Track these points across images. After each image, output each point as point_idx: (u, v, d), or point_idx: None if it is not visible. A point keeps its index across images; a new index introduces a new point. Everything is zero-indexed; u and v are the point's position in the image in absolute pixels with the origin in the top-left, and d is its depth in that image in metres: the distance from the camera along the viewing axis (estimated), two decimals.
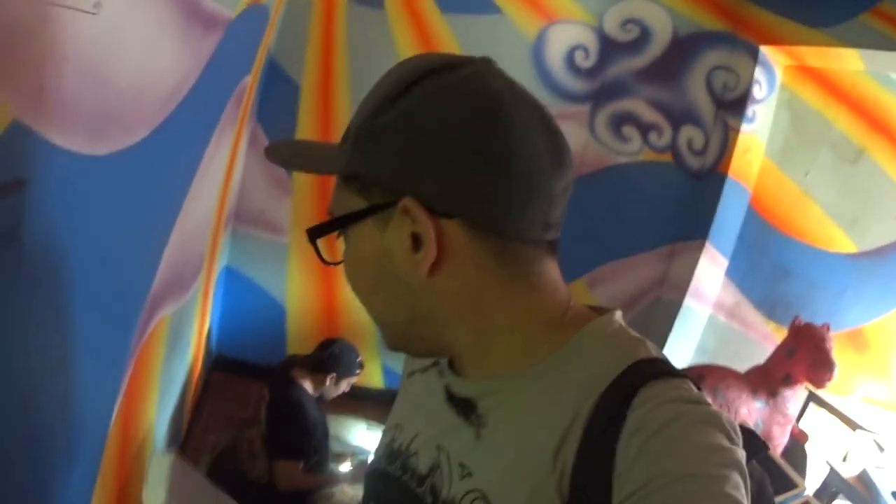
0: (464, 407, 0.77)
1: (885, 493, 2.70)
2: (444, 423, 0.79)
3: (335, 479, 2.77)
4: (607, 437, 0.63)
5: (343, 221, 0.73)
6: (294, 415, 2.64)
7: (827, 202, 3.55)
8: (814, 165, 3.47)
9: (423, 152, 0.68)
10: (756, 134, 3.53)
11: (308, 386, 2.74)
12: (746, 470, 0.60)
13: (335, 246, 0.79)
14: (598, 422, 0.65)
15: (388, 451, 0.87)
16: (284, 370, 2.79)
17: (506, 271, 0.72)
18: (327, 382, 2.76)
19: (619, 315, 0.77)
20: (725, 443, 0.60)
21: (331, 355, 2.78)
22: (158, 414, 2.24)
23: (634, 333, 0.75)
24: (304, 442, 2.63)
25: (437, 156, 0.67)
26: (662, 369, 0.68)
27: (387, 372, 4.04)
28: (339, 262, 0.78)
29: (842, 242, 3.59)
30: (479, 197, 0.68)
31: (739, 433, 0.63)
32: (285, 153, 0.83)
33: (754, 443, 2.10)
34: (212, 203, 2.67)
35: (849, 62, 3.14)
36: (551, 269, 0.75)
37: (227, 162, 2.77)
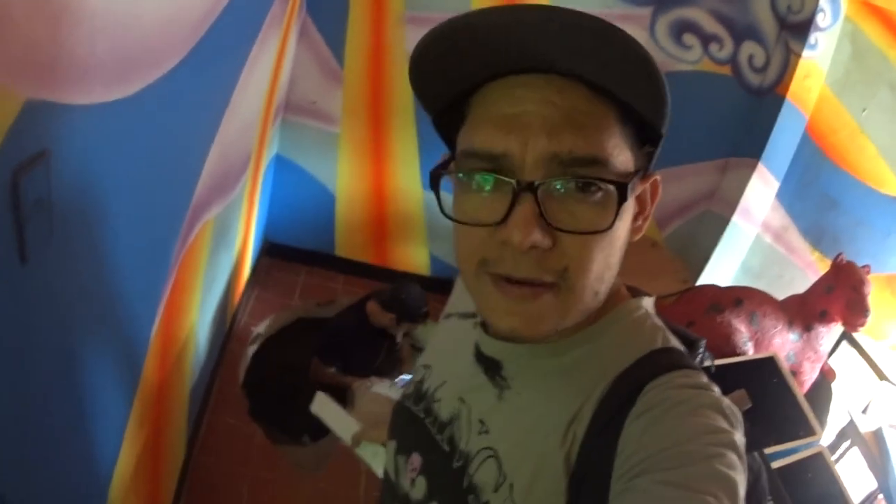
0: (490, 367, 0.80)
1: (895, 457, 2.65)
2: (470, 378, 0.82)
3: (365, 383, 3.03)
4: (616, 418, 0.66)
5: (631, 181, 0.65)
6: (342, 335, 3.07)
7: (881, 142, 3.37)
8: (872, 103, 3.27)
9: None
10: (817, 62, 3.38)
11: (376, 317, 3.05)
12: (744, 454, 0.61)
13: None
14: (610, 403, 0.68)
15: (417, 390, 0.91)
16: (364, 298, 3.13)
17: None
18: (387, 321, 3.05)
19: (647, 301, 0.79)
20: (725, 426, 0.62)
21: (399, 300, 3.03)
22: (202, 311, 2.34)
23: (658, 321, 0.77)
24: (338, 359, 3.03)
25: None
26: (676, 360, 0.70)
27: (433, 260, 4.13)
28: (597, 232, 0.64)
29: (892, 185, 3.44)
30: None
31: (741, 420, 0.64)
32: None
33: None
34: (258, 102, 2.66)
35: None
36: None
37: (274, 59, 2.73)
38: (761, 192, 3.64)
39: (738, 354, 2.61)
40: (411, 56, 0.67)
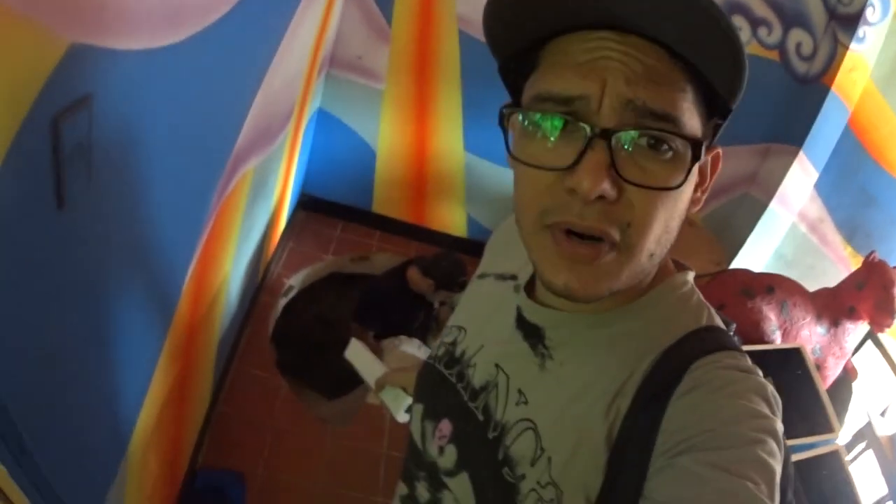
0: (532, 334, 0.78)
1: None
2: (509, 344, 0.80)
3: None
4: (662, 395, 0.65)
5: (703, 146, 0.63)
6: (381, 298, 3.21)
7: None
8: None
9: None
10: (864, 56, 3.34)
11: (416, 283, 3.15)
12: (783, 442, 0.62)
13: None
14: (656, 379, 0.67)
15: (449, 353, 0.89)
16: (405, 264, 3.24)
17: None
18: (426, 287, 3.15)
19: (691, 276, 0.78)
20: (767, 412, 0.62)
21: (439, 266, 3.13)
22: (236, 261, 2.36)
23: (702, 298, 0.76)
24: (376, 322, 3.18)
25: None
26: (723, 341, 0.70)
27: (471, 222, 4.13)
28: (669, 188, 0.63)
29: None
30: None
31: (780, 406, 0.65)
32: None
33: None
34: (305, 54, 2.63)
35: None
36: None
37: (322, 13, 2.70)
38: (800, 181, 3.60)
39: (766, 342, 2.58)
40: (486, 6, 0.65)
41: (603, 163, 0.60)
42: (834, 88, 3.38)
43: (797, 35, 3.50)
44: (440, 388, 0.86)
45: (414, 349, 3.15)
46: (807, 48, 3.51)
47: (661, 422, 0.63)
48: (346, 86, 3.63)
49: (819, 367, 2.60)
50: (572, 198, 0.62)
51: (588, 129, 0.60)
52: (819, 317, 2.68)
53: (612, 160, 0.60)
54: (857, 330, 2.68)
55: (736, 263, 3.64)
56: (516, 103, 0.70)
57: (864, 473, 2.64)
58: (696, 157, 0.62)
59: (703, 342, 0.69)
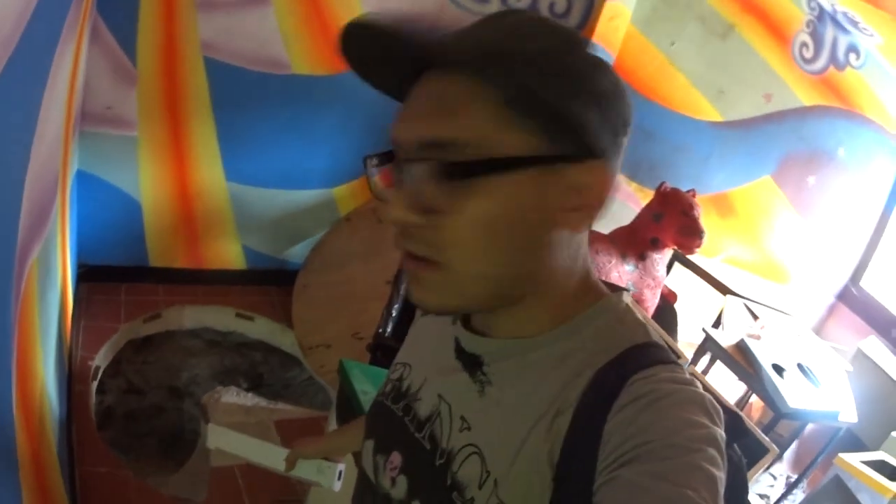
0: (471, 363, 0.80)
1: (766, 363, 2.93)
2: (451, 374, 0.82)
3: None
4: (600, 410, 0.67)
5: (508, 164, 0.66)
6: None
7: (693, 72, 3.65)
8: (681, 36, 3.53)
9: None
10: (622, 3, 3.55)
11: None
12: (724, 450, 0.65)
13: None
14: (594, 395, 0.69)
15: (396, 389, 0.91)
16: None
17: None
18: None
19: (627, 296, 0.81)
20: (706, 421, 0.64)
21: None
22: (45, 363, 2.11)
23: (639, 316, 0.79)
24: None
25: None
26: (661, 355, 0.73)
27: (247, 251, 4.03)
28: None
29: (707, 111, 3.73)
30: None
31: (721, 414, 0.68)
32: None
33: (738, 425, 2.26)
34: (60, 115, 2.37)
35: None
36: None
37: (71, 68, 2.45)
38: None
39: None
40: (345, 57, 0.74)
41: (401, 195, 0.68)
42: (595, 39, 3.53)
43: None
44: (389, 423, 0.88)
45: (233, 397, 3.02)
46: (560, 6, 3.60)
47: (601, 437, 0.66)
48: (100, 140, 3.35)
49: (639, 302, 2.82)
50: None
51: (395, 165, 0.69)
52: (624, 255, 2.86)
53: (412, 191, 0.67)
54: (664, 258, 2.90)
55: None
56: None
57: (718, 383, 2.93)
58: (464, 174, 0.65)
59: (639, 358, 0.71)
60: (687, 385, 0.68)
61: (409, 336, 1.00)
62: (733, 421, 2.43)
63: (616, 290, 0.82)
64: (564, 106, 0.66)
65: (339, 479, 1.21)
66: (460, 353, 0.82)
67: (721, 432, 0.65)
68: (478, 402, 0.78)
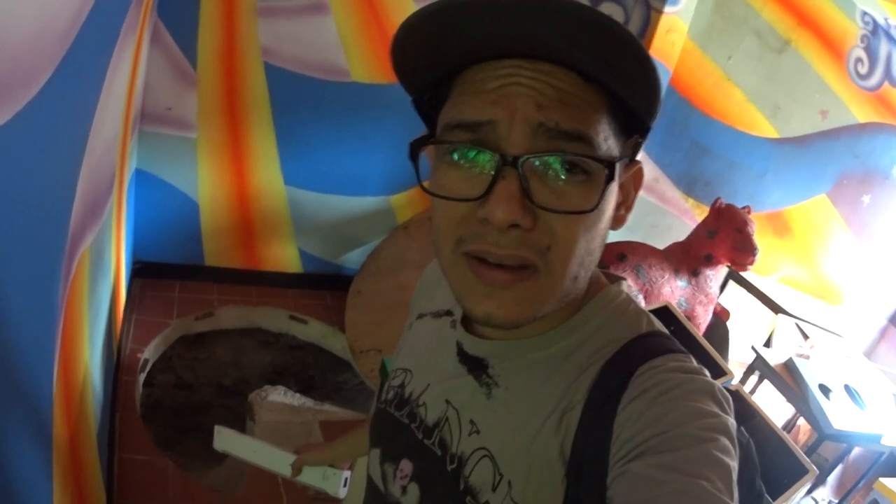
0: (475, 366, 0.79)
1: (812, 384, 2.87)
2: (455, 379, 0.81)
3: None
4: (609, 403, 0.67)
5: (614, 165, 0.64)
6: None
7: (750, 88, 3.57)
8: (737, 51, 3.47)
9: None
10: (679, 16, 3.51)
11: None
12: (735, 437, 0.63)
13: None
14: (602, 389, 0.68)
15: (398, 395, 0.89)
16: None
17: None
18: None
19: (625, 286, 0.80)
20: (717, 410, 0.63)
21: None
22: (91, 350, 2.17)
23: (639, 306, 0.78)
24: None
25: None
26: (665, 345, 0.72)
27: (304, 255, 4.08)
28: (586, 211, 0.63)
29: (763, 127, 3.65)
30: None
31: (731, 403, 0.67)
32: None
33: (744, 410, 2.22)
34: (118, 114, 2.46)
35: None
36: None
37: (130, 68, 2.54)
38: None
39: None
40: (396, 35, 0.64)
41: (515, 191, 0.60)
42: (652, 52, 3.49)
43: (607, 8, 3.56)
44: (395, 431, 0.86)
45: (280, 396, 3.05)
46: (617, 19, 3.58)
47: (612, 430, 0.65)
48: (160, 140, 3.45)
49: (690, 318, 2.77)
50: (487, 227, 0.62)
51: (498, 157, 0.61)
52: (677, 271, 2.82)
53: (525, 187, 0.61)
54: (717, 275, 2.85)
55: None
56: (432, 135, 0.70)
57: (766, 402, 2.86)
58: (610, 178, 0.63)
59: (644, 348, 0.71)
60: (695, 374, 0.67)
61: (404, 341, 0.98)
62: (738, 404, 2.38)
63: (614, 279, 0.81)
64: (652, 123, 0.68)
65: (344, 486, 1.21)
66: (463, 356, 0.81)
67: (732, 420, 0.64)
68: (485, 404, 0.77)
